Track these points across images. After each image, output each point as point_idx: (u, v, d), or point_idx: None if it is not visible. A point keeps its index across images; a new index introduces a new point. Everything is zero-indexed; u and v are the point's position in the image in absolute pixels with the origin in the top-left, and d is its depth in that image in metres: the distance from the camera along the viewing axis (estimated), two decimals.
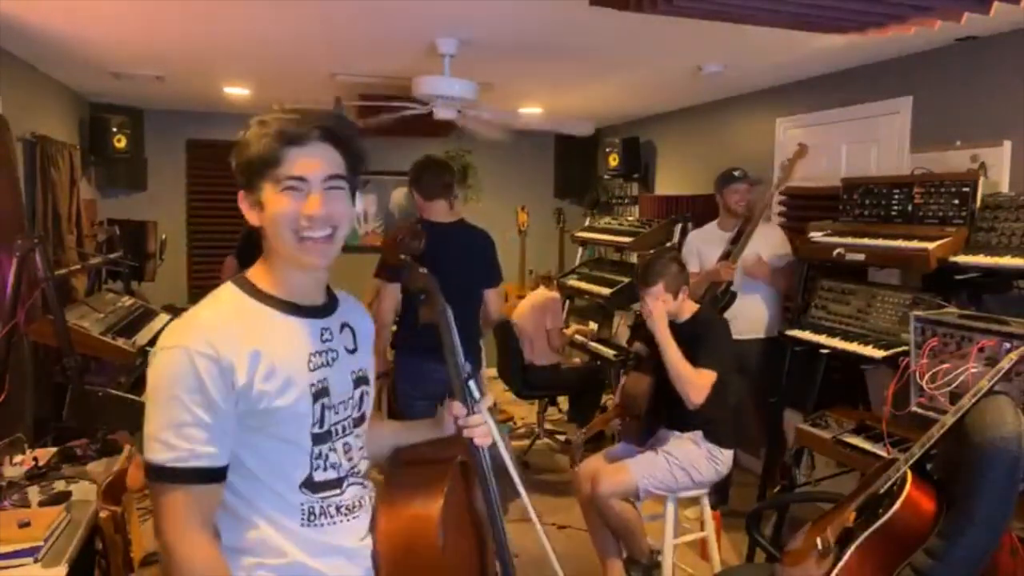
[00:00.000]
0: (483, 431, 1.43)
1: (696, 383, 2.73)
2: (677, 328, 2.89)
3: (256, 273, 1.30)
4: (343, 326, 1.37)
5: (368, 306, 1.88)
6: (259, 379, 1.19)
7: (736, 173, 3.85)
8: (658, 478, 2.80)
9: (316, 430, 1.27)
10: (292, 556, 1.25)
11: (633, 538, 2.86)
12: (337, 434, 1.31)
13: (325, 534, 1.29)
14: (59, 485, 2.38)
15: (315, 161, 1.22)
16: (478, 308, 3.23)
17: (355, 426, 1.37)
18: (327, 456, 1.29)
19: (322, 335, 1.31)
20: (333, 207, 1.23)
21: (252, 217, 1.26)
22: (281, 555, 1.25)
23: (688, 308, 2.93)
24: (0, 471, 2.45)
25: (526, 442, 5.05)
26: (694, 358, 2.77)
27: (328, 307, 1.36)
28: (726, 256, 3.65)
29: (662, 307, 2.81)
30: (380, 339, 3.00)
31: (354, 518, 1.33)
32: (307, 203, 1.21)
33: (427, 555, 1.30)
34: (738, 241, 3.62)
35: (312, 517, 1.28)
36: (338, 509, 1.31)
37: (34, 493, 2.31)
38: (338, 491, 1.31)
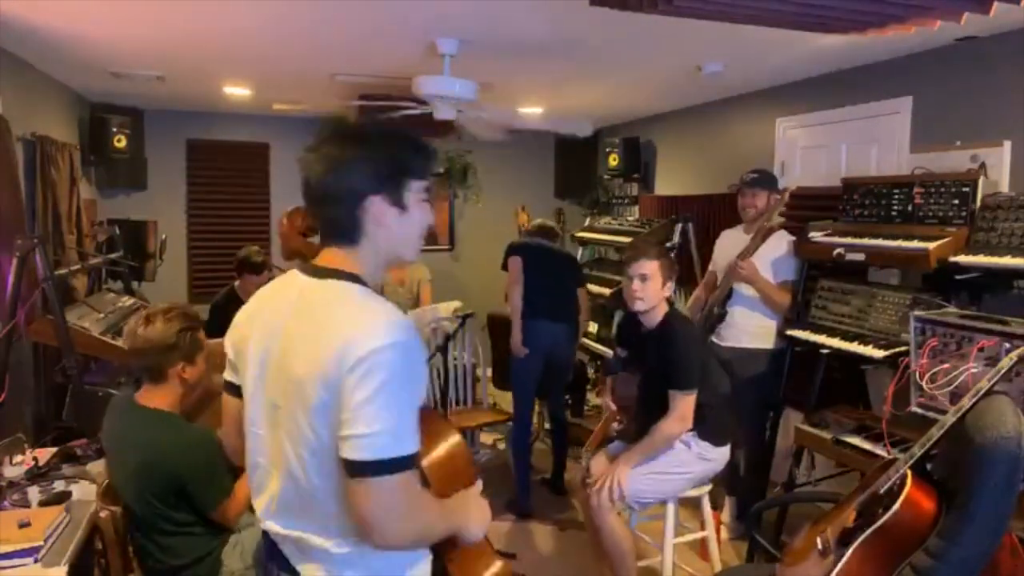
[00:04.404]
0: None
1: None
2: (647, 339, 2.87)
3: (354, 269, 1.35)
4: None
5: None
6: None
7: (744, 176, 3.67)
8: (651, 489, 2.78)
9: None
10: None
11: (622, 564, 2.78)
12: None
13: None
14: (59, 485, 2.39)
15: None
16: (573, 300, 4.30)
17: None
18: None
19: None
20: None
21: (390, 214, 1.34)
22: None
23: (662, 308, 2.86)
24: (0, 471, 2.45)
25: None
26: (668, 379, 2.75)
27: None
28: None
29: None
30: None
31: None
32: (432, 213, 1.42)
33: (462, 456, 1.70)
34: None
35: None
36: None
37: (34, 493, 2.31)
38: None
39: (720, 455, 2.89)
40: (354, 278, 1.33)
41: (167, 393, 2.25)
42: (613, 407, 3.07)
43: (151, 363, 2.22)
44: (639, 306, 2.81)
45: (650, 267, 2.78)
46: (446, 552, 1.53)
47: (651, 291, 2.78)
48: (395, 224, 1.33)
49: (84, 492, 2.37)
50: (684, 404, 2.73)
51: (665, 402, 2.77)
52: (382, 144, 1.33)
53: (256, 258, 4.19)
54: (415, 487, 1.27)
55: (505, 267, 4.24)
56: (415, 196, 1.35)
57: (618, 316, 5.35)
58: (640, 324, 2.91)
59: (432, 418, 1.73)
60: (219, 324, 2.45)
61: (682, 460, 2.82)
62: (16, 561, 1.91)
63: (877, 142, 3.87)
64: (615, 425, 3.05)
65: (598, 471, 2.89)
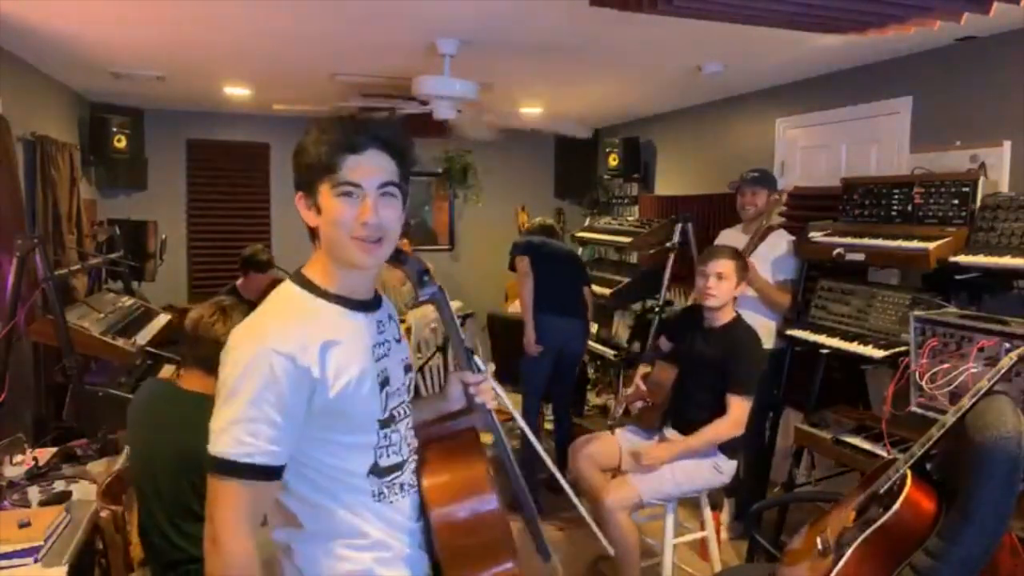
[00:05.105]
0: (491, 393, 1.58)
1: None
2: (707, 335, 2.96)
3: (313, 271, 1.35)
4: (389, 318, 1.46)
5: None
6: (332, 372, 1.26)
7: (744, 175, 3.70)
8: (663, 491, 2.81)
9: (381, 416, 1.35)
10: (373, 536, 1.34)
11: (627, 560, 2.81)
12: (397, 418, 1.40)
13: (395, 510, 1.39)
14: (59, 485, 2.39)
15: (370, 168, 1.27)
16: (581, 297, 4.30)
17: (408, 411, 1.46)
18: (391, 439, 1.37)
19: (378, 327, 1.39)
20: (385, 214, 1.28)
21: (309, 218, 1.31)
22: (364, 536, 1.34)
23: (731, 309, 2.96)
24: (0, 471, 2.45)
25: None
26: (729, 380, 2.80)
27: (377, 301, 1.43)
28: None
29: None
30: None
31: (414, 493, 1.43)
32: (361, 209, 1.26)
33: (486, 511, 1.44)
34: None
35: (382, 496, 1.36)
36: (401, 487, 1.40)
37: (34, 493, 2.31)
38: (399, 472, 1.40)
39: (729, 469, 2.92)
40: (297, 277, 1.35)
41: (212, 382, 2.28)
42: (644, 388, 3.14)
43: (215, 354, 2.25)
44: (712, 302, 2.91)
45: (726, 267, 2.89)
46: None
47: (724, 289, 2.89)
48: (321, 225, 1.29)
49: (84, 492, 2.37)
50: (742, 409, 2.79)
51: (706, 397, 2.86)
52: (305, 140, 1.30)
53: (261, 256, 4.21)
54: (224, 497, 1.19)
55: (512, 267, 4.21)
56: (330, 192, 1.26)
57: (622, 316, 5.37)
58: (702, 320, 2.99)
59: (464, 455, 1.53)
60: None
61: (700, 466, 2.85)
62: (16, 561, 1.91)
63: (877, 142, 3.87)
64: (639, 403, 3.12)
65: (608, 462, 2.96)
